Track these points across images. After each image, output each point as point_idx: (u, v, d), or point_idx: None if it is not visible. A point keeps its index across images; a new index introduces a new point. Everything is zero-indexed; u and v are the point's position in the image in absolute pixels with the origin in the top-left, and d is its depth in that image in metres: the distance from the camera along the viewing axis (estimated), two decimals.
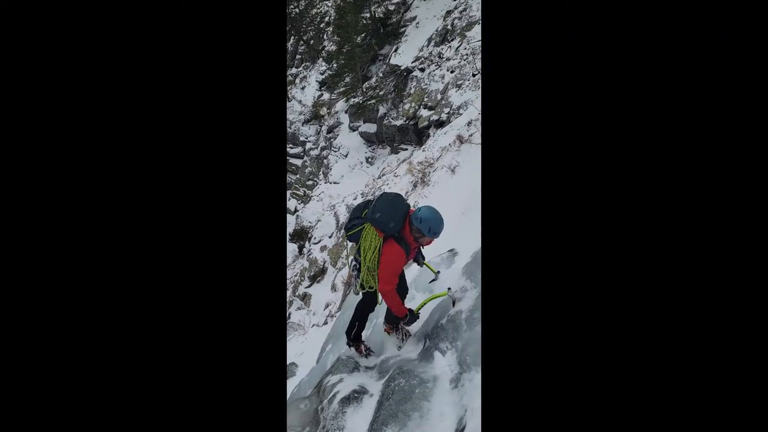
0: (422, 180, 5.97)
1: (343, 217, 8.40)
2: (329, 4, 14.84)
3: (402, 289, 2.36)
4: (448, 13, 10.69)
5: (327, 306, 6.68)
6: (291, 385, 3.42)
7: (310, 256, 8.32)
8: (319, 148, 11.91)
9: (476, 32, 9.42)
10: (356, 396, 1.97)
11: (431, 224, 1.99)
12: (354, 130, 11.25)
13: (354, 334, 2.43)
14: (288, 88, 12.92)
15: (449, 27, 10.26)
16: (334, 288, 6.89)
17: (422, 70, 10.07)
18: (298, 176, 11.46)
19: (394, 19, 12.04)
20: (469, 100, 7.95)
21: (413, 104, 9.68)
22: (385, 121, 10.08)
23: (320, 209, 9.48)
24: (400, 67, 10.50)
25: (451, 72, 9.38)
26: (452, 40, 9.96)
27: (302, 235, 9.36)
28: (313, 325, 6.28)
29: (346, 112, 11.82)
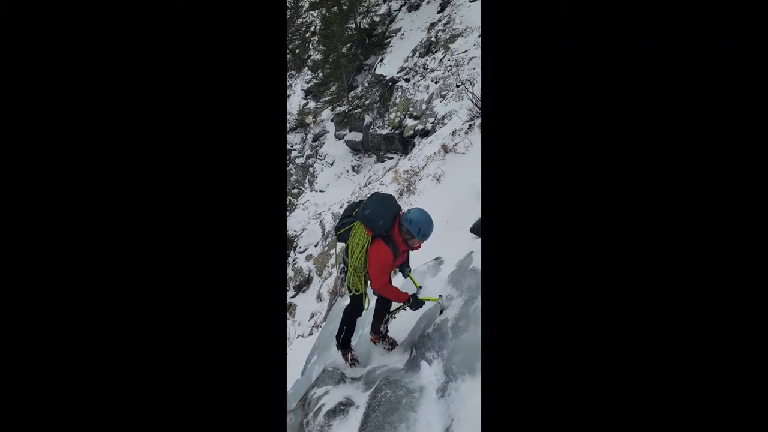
0: (408, 188, 6.01)
1: (329, 225, 8.35)
2: (315, 14, 14.96)
3: (385, 306, 2.34)
4: (432, 25, 10.93)
5: (312, 316, 6.58)
6: None
7: (296, 266, 8.21)
8: (304, 157, 11.86)
9: (459, 44, 9.65)
10: (342, 408, 1.94)
11: (421, 226, 1.99)
12: (340, 139, 11.27)
13: (342, 339, 2.39)
14: None
15: (433, 39, 10.49)
16: (319, 298, 6.81)
17: (407, 80, 10.22)
18: None
19: (380, 30, 12.23)
20: (453, 110, 8.10)
21: (399, 113, 9.79)
22: (371, 130, 10.15)
23: (306, 218, 9.41)
24: (385, 77, 10.63)
25: (436, 83, 9.56)
26: (436, 52, 10.17)
27: (287, 243, 9.26)
28: (298, 336, 6.17)
29: (331, 120, 11.84)
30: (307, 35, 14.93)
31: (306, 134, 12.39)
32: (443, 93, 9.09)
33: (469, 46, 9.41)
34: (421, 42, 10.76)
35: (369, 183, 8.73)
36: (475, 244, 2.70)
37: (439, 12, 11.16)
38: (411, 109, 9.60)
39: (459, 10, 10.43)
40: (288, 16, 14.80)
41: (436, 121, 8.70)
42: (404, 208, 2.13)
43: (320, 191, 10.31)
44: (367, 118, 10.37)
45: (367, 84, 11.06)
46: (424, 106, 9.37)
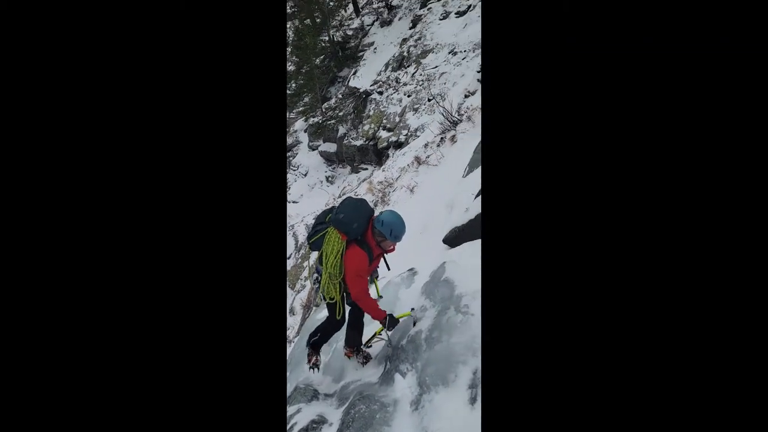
0: (382, 199, 6.05)
1: (302, 237, 8.21)
2: (288, 26, 14.97)
3: (358, 317, 2.32)
4: (404, 40, 11.23)
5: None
6: None
7: None
8: None
9: (430, 60, 9.95)
10: (315, 426, 1.88)
11: (393, 227, 2.00)
12: (313, 150, 11.20)
13: (313, 341, 2.32)
14: None
15: (405, 54, 10.76)
16: (292, 312, 6.62)
17: (381, 93, 10.38)
18: None
19: (353, 44, 12.40)
20: (426, 123, 8.29)
21: (373, 125, 9.89)
22: (345, 141, 10.17)
23: None
24: (359, 89, 10.74)
25: (408, 96, 9.77)
26: (408, 66, 10.42)
27: None
28: None
29: (305, 131, 11.77)
30: None
31: None
32: (416, 106, 9.30)
33: (440, 62, 9.73)
34: (393, 56, 11.00)
35: (343, 194, 8.70)
36: (448, 254, 2.74)
37: (410, 28, 11.50)
38: (384, 121, 9.73)
39: (429, 27, 10.80)
40: None
41: (409, 134, 8.86)
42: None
43: (294, 202, 10.14)
44: (341, 130, 10.39)
45: (340, 96, 11.12)
46: (397, 119, 9.53)
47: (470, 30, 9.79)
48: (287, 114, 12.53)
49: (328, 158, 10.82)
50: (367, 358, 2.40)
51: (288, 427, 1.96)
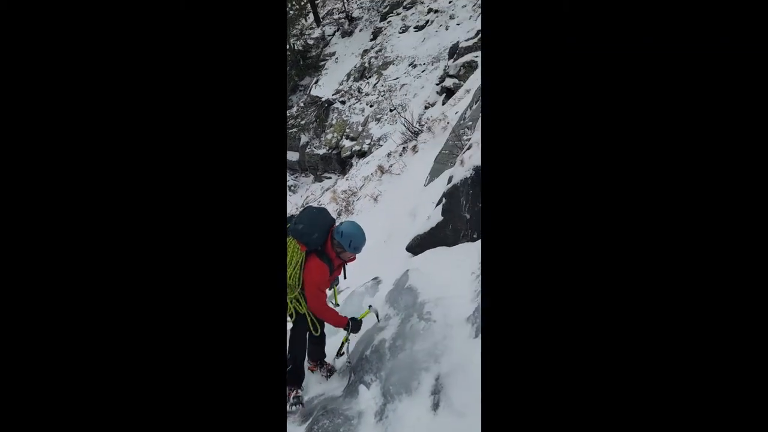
0: (346, 208, 6.02)
1: None
2: None
3: (320, 336, 2.26)
4: (365, 51, 11.39)
5: None
6: None
7: None
8: None
9: (391, 71, 10.17)
10: None
11: (352, 239, 1.98)
12: None
13: (290, 371, 2.12)
14: None
15: (366, 64, 10.91)
16: None
17: (343, 102, 10.42)
18: None
19: (314, 53, 12.37)
20: (388, 132, 8.41)
21: (335, 134, 9.87)
22: (307, 150, 10.04)
23: None
24: (321, 98, 10.71)
25: (371, 106, 9.89)
26: (370, 77, 10.57)
27: None
28: None
29: None
30: None
31: None
32: (378, 116, 9.43)
33: (401, 74, 9.97)
34: (355, 67, 11.11)
35: (306, 203, 8.55)
36: (411, 262, 2.78)
37: (371, 40, 11.69)
38: (348, 130, 9.76)
39: (390, 39, 11.05)
40: None
41: (372, 143, 8.94)
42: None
43: None
44: (304, 138, 10.26)
45: (302, 104, 11.01)
46: (360, 128, 9.59)
47: (428, 44, 10.15)
48: None
49: (290, 167, 10.62)
50: (331, 371, 2.35)
51: None
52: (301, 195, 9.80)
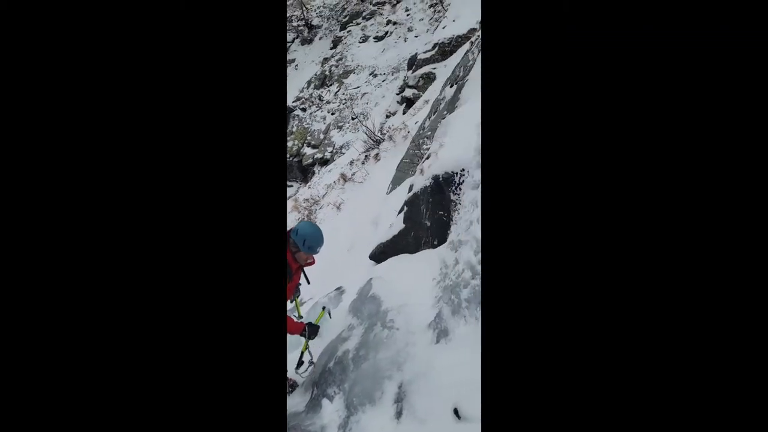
0: (308, 217, 5.92)
1: None
2: None
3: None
4: (326, 60, 11.39)
5: None
6: None
7: None
8: None
9: (352, 80, 10.24)
10: None
11: (306, 238, 1.95)
12: None
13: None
14: None
15: (327, 73, 10.91)
16: None
17: (303, 110, 10.31)
18: None
19: None
20: (350, 141, 8.43)
21: (297, 142, 9.72)
22: None
23: None
24: None
25: (332, 114, 9.87)
26: (331, 85, 10.57)
27: None
28: None
29: None
30: None
31: None
32: (340, 124, 9.43)
33: (361, 83, 10.07)
34: (315, 74, 11.07)
35: None
36: (374, 270, 2.79)
37: (331, 48, 11.72)
38: (309, 138, 9.65)
39: (350, 48, 11.15)
40: None
41: (334, 151, 8.91)
42: None
43: None
44: None
45: None
46: (321, 136, 9.53)
47: (388, 54, 10.36)
48: None
49: None
50: (293, 387, 2.28)
51: None
52: None
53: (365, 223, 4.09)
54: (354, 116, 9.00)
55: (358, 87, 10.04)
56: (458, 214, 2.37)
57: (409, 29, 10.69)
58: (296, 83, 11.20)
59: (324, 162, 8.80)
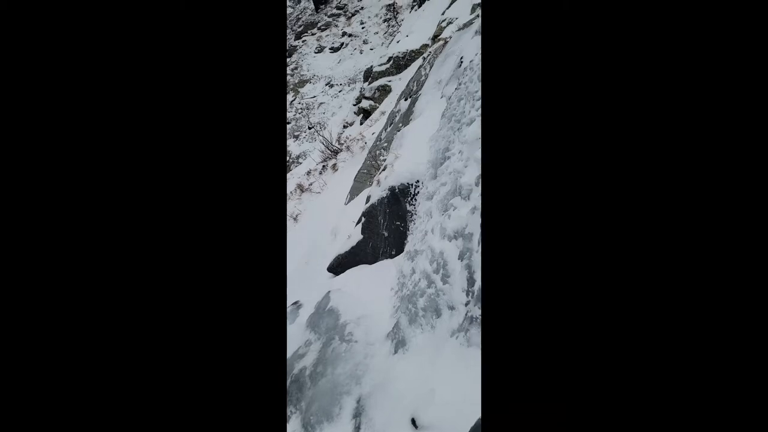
0: None
1: None
2: None
3: None
4: None
5: None
6: None
7: None
8: None
9: (308, 89, 10.18)
10: None
11: None
12: None
13: None
14: None
15: None
16: None
17: None
18: None
19: None
20: (307, 150, 8.32)
21: None
22: None
23: None
24: None
25: (288, 123, 9.70)
26: (287, 94, 10.41)
27: None
28: None
29: None
30: None
31: None
32: (296, 133, 9.28)
33: (318, 93, 10.04)
34: None
35: None
36: (332, 283, 2.75)
37: (287, 57, 11.58)
38: None
39: (305, 58, 11.10)
40: None
41: (291, 160, 8.73)
42: None
43: None
44: None
45: None
46: None
47: (345, 65, 10.46)
48: None
49: None
50: None
51: None
52: None
53: (323, 234, 4.03)
54: (311, 125, 8.92)
55: (314, 96, 10.00)
56: (414, 224, 2.42)
57: (365, 41, 10.90)
58: None
59: None
